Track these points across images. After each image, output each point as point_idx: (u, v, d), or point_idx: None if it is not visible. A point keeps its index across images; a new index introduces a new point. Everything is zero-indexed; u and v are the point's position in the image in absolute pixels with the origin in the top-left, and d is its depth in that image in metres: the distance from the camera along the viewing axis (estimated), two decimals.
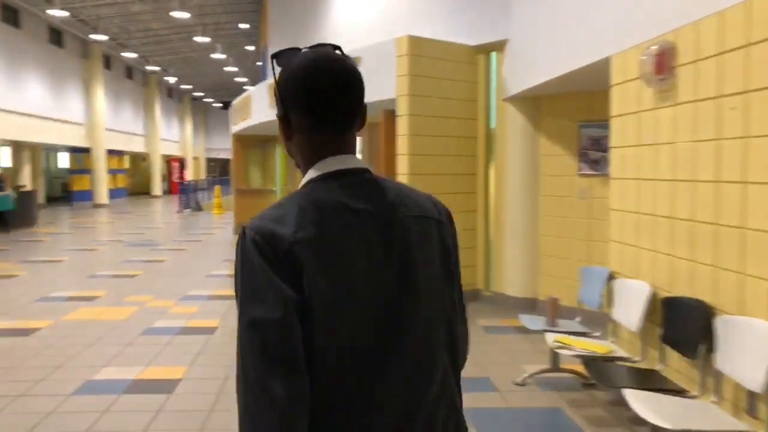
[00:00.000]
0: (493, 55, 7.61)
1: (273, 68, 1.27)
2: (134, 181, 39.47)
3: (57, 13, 18.82)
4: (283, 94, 1.23)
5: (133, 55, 26.45)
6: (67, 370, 5.01)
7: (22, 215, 16.62)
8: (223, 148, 49.75)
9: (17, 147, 22.24)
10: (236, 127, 15.13)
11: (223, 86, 42.25)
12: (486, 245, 7.82)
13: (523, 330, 6.16)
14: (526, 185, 7.33)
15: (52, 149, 30.31)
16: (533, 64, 6.51)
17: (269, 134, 15.41)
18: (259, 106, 11.79)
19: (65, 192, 28.86)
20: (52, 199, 30.11)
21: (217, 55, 26.56)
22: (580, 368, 4.68)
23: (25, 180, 22.12)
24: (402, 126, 7.30)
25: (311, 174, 1.22)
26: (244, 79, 34.39)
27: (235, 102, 14.76)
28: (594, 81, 6.03)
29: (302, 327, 1.06)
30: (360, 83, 1.24)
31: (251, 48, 28.24)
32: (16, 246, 13.19)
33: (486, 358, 5.44)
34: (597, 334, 4.54)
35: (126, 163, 36.25)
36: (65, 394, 4.46)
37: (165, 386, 4.66)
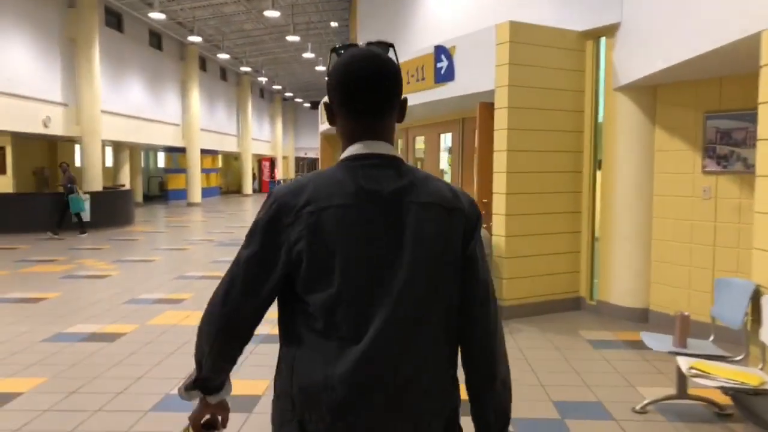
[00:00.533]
0: (602, 40, 6.92)
1: (329, 61, 1.47)
2: (227, 180, 40.66)
3: (156, 15, 19.42)
4: (328, 85, 1.44)
5: (227, 56, 27.04)
6: (147, 383, 4.80)
7: (119, 214, 17.22)
8: (312, 147, 50.53)
9: (117, 147, 23.20)
10: (324, 126, 14.99)
11: (312, 86, 42.78)
12: (590, 249, 7.13)
13: (636, 345, 5.50)
14: (638, 184, 6.60)
15: (150, 149, 31.60)
16: (651, 48, 5.80)
17: None
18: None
19: (162, 191, 30.02)
20: (150, 198, 31.42)
21: (308, 55, 26.74)
22: (713, 394, 4.01)
23: (124, 179, 23.06)
24: (500, 119, 6.75)
25: (344, 154, 1.43)
26: (321, 102, 34.47)
27: (324, 100, 14.62)
28: (726, 65, 5.27)
29: (280, 273, 1.35)
30: (392, 80, 1.42)
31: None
32: (114, 245, 13.57)
33: (595, 379, 4.82)
34: (738, 358, 3.85)
35: (219, 163, 37.34)
36: (143, 410, 4.22)
37: (245, 404, 4.35)
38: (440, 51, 7.71)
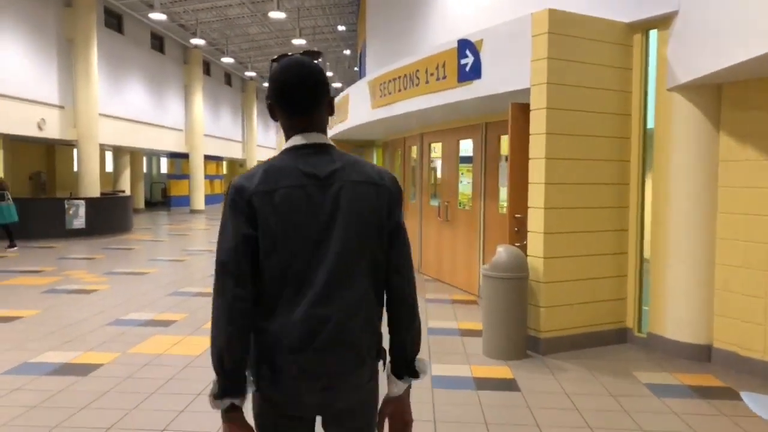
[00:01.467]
0: (653, 33, 6.02)
1: (270, 70, 1.79)
2: None
3: (157, 16, 18.68)
4: (268, 89, 1.78)
5: (231, 60, 26.32)
6: None
7: (117, 221, 16.40)
8: None
9: (117, 152, 22.43)
10: (332, 132, 14.12)
11: None
12: (638, 274, 6.21)
13: (706, 392, 4.60)
14: (697, 198, 5.68)
15: (153, 154, 30.83)
16: (717, 40, 4.90)
17: (367, 138, 14.29)
18: (357, 107, 10.67)
19: (165, 197, 29.24)
20: (152, 204, 30.63)
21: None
22: None
23: (124, 185, 22.26)
24: (537, 122, 5.86)
25: (287, 144, 1.78)
26: (339, 84, 33.79)
27: (337, 99, 13.80)
28: None
29: (256, 252, 1.67)
30: (319, 81, 1.73)
31: (347, 52, 27.51)
32: (108, 254, 12.73)
33: None
34: None
35: (224, 169, 36.58)
36: None
37: None
38: (465, 46, 6.84)
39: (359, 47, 20.35)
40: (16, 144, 19.24)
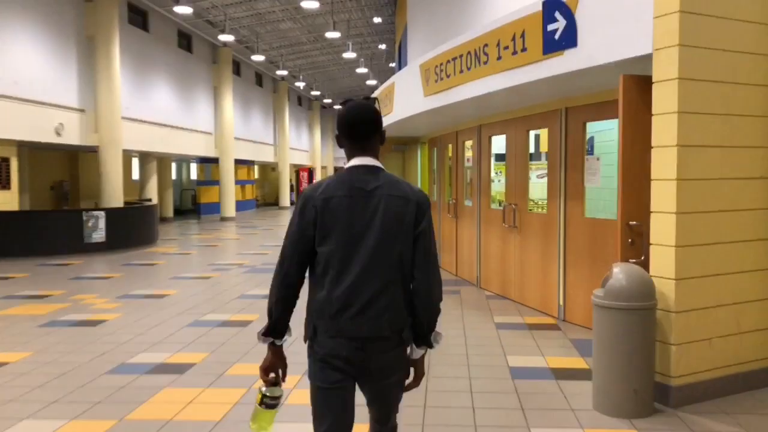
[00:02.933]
0: None
1: (339, 111, 2.42)
2: (263, 191, 38.85)
3: (183, 9, 17.53)
4: (338, 123, 2.37)
5: (262, 59, 25.14)
6: None
7: (141, 232, 15.26)
8: None
9: (143, 158, 21.40)
10: None
11: (352, 92, 40.75)
12: None
13: None
14: None
15: (182, 160, 29.88)
16: None
17: (411, 134, 12.82)
18: (404, 97, 9.23)
19: (195, 204, 28.24)
20: (182, 212, 29.67)
21: (348, 55, 24.63)
22: None
23: (151, 193, 21.18)
24: (664, 98, 4.33)
25: (348, 164, 2.37)
26: (374, 82, 32.43)
27: (376, 94, 12.34)
28: None
29: (312, 243, 2.27)
30: (374, 119, 2.37)
31: (383, 47, 26.12)
32: (127, 272, 11.52)
33: None
34: None
35: (255, 174, 35.53)
36: None
37: None
38: (553, 6, 5.33)
39: (398, 38, 18.95)
40: (35, 152, 18.27)
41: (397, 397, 2.44)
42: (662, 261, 4.40)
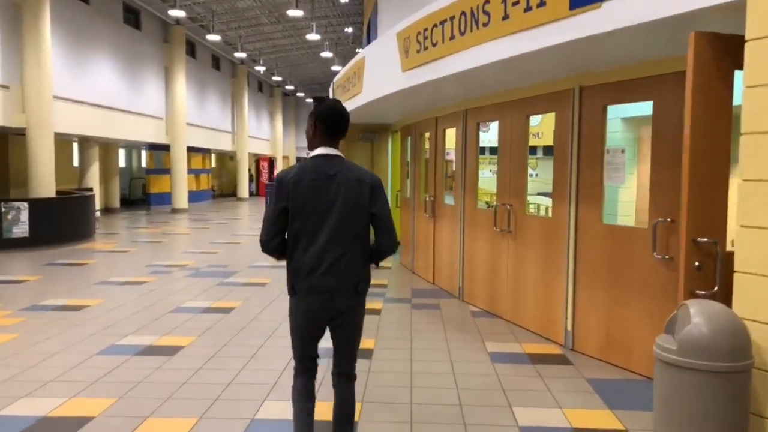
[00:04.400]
0: None
1: (315, 106, 3.14)
2: (221, 181, 36.90)
3: None
4: (316, 117, 3.03)
5: (217, 38, 23.28)
6: None
7: (75, 226, 13.45)
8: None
9: (83, 143, 19.39)
10: None
11: (315, 79, 39.04)
12: None
13: None
14: None
15: (132, 146, 27.81)
16: None
17: (382, 121, 11.36)
18: (377, 74, 7.77)
19: (145, 194, 26.23)
20: (132, 203, 27.63)
21: (312, 36, 22.95)
22: None
23: (92, 181, 19.20)
24: (764, 64, 2.97)
25: (314, 153, 3.01)
26: (339, 68, 30.77)
27: (338, 76, 10.83)
28: None
29: (287, 217, 2.92)
30: (348, 119, 3.07)
31: (349, 30, 24.54)
32: (49, 274, 9.83)
33: None
34: None
35: (211, 162, 33.61)
36: None
37: None
38: None
39: (366, 18, 17.43)
40: None
41: (356, 340, 3.17)
42: (756, 297, 3.05)
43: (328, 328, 3.06)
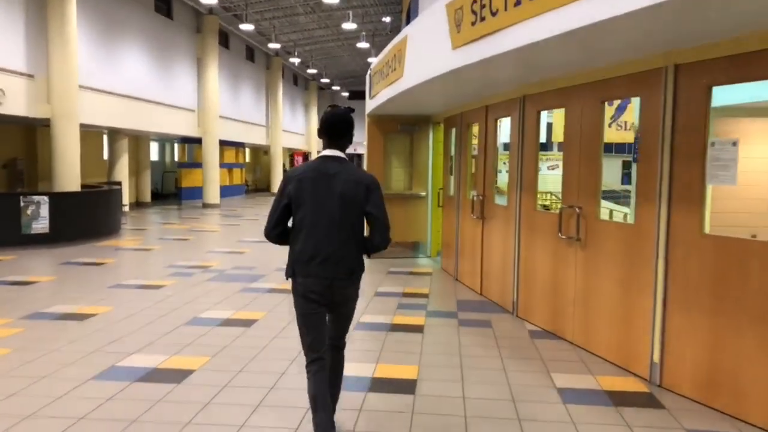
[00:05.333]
0: None
1: (325, 113, 3.50)
2: (255, 176, 36.35)
3: None
4: (321, 122, 3.39)
5: (251, 28, 22.56)
6: None
7: (97, 222, 12.80)
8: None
9: (112, 135, 18.85)
10: (374, 102, 10.26)
11: (351, 72, 38.19)
12: None
13: None
14: None
15: (164, 139, 27.37)
16: None
17: (422, 112, 10.39)
18: (422, 53, 6.78)
19: (177, 188, 25.70)
20: (164, 197, 27.18)
21: (348, 25, 22.05)
22: None
23: (121, 174, 18.65)
24: None
25: (320, 153, 3.39)
26: (371, 66, 29.84)
27: (376, 62, 9.88)
28: None
29: (289, 210, 3.29)
30: (344, 122, 3.37)
31: (387, 20, 23.55)
32: (61, 274, 9.17)
33: None
34: None
35: (245, 157, 33.04)
36: None
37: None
38: None
39: (406, 4, 16.45)
40: None
41: (349, 318, 3.53)
42: None
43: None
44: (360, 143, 46.00)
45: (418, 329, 6.17)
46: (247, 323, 6.30)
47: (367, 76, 11.41)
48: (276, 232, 3.35)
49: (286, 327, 6.13)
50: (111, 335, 5.79)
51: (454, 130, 9.24)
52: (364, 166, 12.72)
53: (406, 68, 7.31)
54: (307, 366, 3.33)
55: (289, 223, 3.36)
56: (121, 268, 9.68)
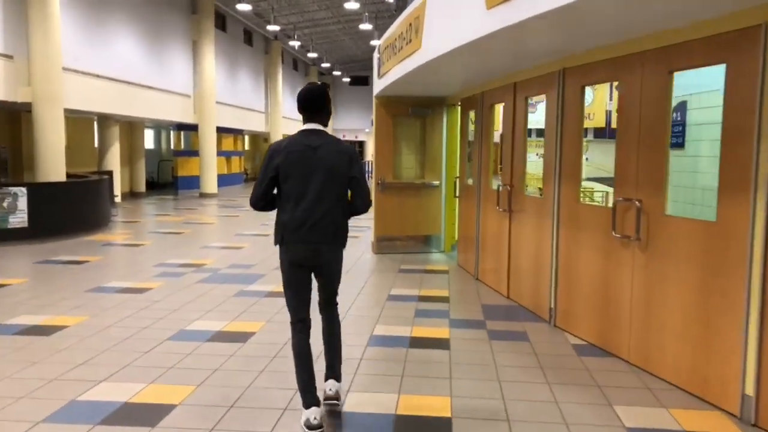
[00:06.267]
0: None
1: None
2: (254, 164, 35.35)
3: None
4: (298, 97, 3.64)
5: (248, 8, 21.46)
6: None
7: (82, 215, 11.85)
8: (351, 128, 44.89)
9: (103, 121, 17.83)
10: (383, 81, 9.25)
11: (353, 57, 37.06)
12: None
13: None
14: None
15: (160, 126, 26.35)
16: None
17: (435, 93, 9.41)
18: (446, 18, 5.78)
19: (174, 178, 24.71)
20: (160, 186, 26.21)
21: (350, 5, 20.95)
22: None
23: (112, 163, 17.65)
24: None
25: (301, 128, 3.61)
26: (380, 42, 28.72)
27: (386, 35, 8.85)
28: None
29: (275, 182, 3.54)
30: (323, 97, 3.62)
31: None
32: (35, 275, 8.28)
33: None
34: None
35: (245, 144, 32.02)
36: None
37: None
38: None
39: None
40: None
41: (339, 278, 3.78)
42: None
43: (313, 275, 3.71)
44: (363, 130, 45.04)
45: (443, 344, 5.24)
46: (242, 337, 5.36)
47: (375, 54, 10.40)
48: (263, 203, 3.62)
49: (287, 343, 5.19)
50: (80, 355, 4.85)
51: (473, 113, 8.26)
52: (369, 155, 11.72)
53: (425, 38, 6.30)
54: (292, 324, 3.66)
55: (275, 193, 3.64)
56: (104, 267, 8.73)
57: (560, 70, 5.71)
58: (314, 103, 3.61)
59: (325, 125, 3.66)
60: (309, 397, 3.49)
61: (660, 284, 4.49)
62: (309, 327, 3.63)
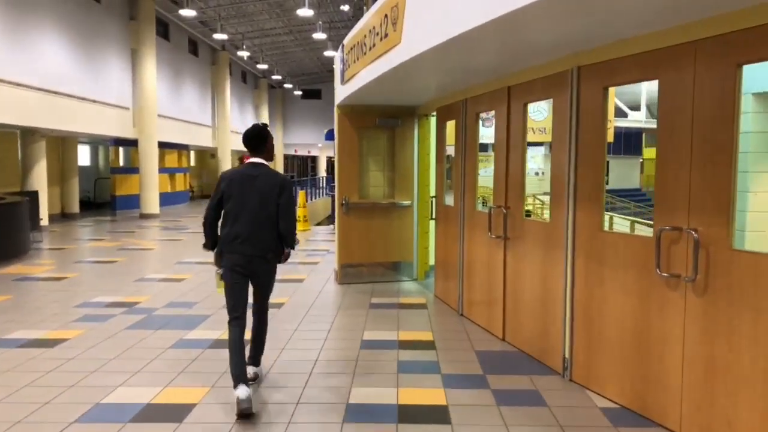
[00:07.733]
0: None
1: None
2: (201, 181, 33.57)
3: None
4: (242, 137, 4.53)
5: (193, 14, 20.02)
6: None
7: (2, 244, 10.23)
8: (303, 143, 43.58)
9: (26, 135, 16.02)
10: (347, 88, 8.07)
11: (306, 69, 35.87)
12: None
13: None
14: None
15: (96, 141, 24.47)
16: None
17: (406, 102, 8.30)
18: (435, 7, 4.65)
19: (112, 197, 22.83)
20: (97, 206, 24.28)
21: (304, 12, 19.74)
22: None
23: (37, 182, 15.82)
24: None
25: (247, 161, 4.48)
26: (333, 53, 27.64)
27: (354, 31, 7.63)
28: None
29: (222, 203, 4.34)
30: (258, 135, 4.46)
31: (346, 8, 21.38)
32: None
33: None
34: None
35: (190, 160, 30.30)
36: None
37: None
38: None
39: None
40: None
41: (270, 288, 4.57)
42: None
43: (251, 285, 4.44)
44: (315, 145, 43.69)
45: (440, 416, 4.07)
46: (177, 415, 4.07)
47: (337, 55, 9.24)
48: (211, 221, 4.39)
49: (235, 425, 3.91)
50: None
51: (454, 123, 7.17)
52: (323, 171, 10.51)
53: (406, 30, 5.16)
54: (229, 322, 4.29)
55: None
56: (10, 310, 7.21)
57: (572, 69, 4.67)
58: (254, 141, 4.45)
59: (269, 159, 4.49)
60: (241, 378, 4.09)
61: (725, 337, 3.44)
62: (244, 325, 4.30)
